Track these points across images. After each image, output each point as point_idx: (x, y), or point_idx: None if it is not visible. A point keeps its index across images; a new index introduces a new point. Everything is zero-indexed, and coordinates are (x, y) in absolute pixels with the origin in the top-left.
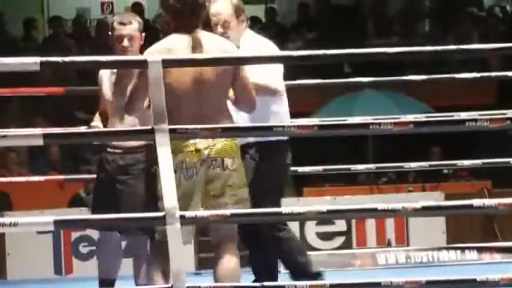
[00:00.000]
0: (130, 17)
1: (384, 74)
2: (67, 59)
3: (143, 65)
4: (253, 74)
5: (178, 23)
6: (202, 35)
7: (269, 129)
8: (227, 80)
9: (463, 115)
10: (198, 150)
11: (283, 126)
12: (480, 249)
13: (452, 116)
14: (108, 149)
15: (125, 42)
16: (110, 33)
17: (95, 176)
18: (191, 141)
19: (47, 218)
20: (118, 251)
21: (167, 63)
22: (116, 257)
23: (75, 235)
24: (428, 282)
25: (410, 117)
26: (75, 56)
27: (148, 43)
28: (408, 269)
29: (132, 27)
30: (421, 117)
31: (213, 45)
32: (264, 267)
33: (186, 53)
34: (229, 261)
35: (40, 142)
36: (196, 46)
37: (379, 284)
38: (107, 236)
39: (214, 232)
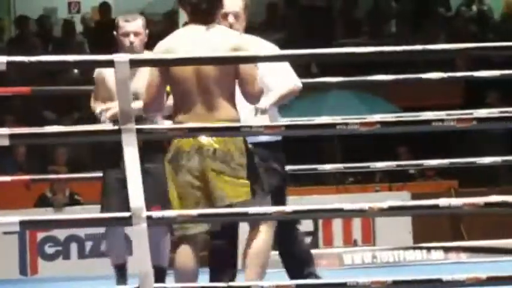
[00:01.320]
0: (134, 15)
1: (351, 74)
2: (33, 58)
3: (110, 64)
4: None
5: (194, 15)
6: (217, 29)
7: (236, 129)
8: (228, 73)
9: (430, 115)
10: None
11: (250, 126)
12: (446, 249)
13: (419, 116)
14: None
15: (131, 38)
16: (115, 32)
17: (61, 176)
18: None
19: (12, 218)
20: (124, 239)
21: (134, 63)
22: (124, 242)
23: (41, 235)
24: (395, 282)
25: (377, 117)
26: (41, 55)
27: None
28: (374, 269)
29: (137, 23)
30: (388, 117)
31: (224, 41)
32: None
33: (190, 48)
34: (259, 238)
35: (6, 142)
36: (204, 40)
37: (345, 284)
38: (111, 229)
39: None
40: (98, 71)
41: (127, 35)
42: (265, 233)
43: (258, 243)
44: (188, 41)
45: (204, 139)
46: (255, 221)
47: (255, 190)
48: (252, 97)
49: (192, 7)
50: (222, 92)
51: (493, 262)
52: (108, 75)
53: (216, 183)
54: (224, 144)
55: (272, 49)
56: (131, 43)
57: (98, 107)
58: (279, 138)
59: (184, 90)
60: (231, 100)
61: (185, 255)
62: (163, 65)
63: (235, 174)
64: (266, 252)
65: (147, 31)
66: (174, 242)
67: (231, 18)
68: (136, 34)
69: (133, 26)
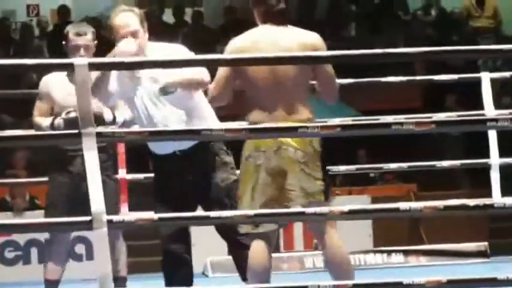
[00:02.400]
0: (85, 27)
1: None
2: None
3: (69, 67)
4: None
5: (269, 16)
6: (291, 29)
7: (197, 132)
8: (306, 73)
9: (390, 118)
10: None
11: (211, 130)
12: (406, 253)
13: (378, 119)
14: (70, 153)
15: (82, 52)
16: (64, 42)
17: (20, 180)
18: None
19: None
20: (68, 251)
21: (93, 66)
22: (66, 257)
23: (0, 240)
24: (355, 286)
25: (337, 121)
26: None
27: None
28: None
29: (87, 37)
30: (348, 120)
31: (292, 40)
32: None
33: (267, 47)
34: (338, 244)
35: None
36: (277, 40)
37: (306, 287)
38: (58, 236)
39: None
40: (43, 85)
41: (77, 49)
42: (338, 239)
43: (341, 251)
44: (266, 40)
45: (285, 139)
46: (323, 226)
47: (328, 193)
48: (333, 97)
49: (268, 8)
50: (299, 92)
51: (452, 265)
52: (53, 86)
53: (295, 183)
54: (304, 145)
55: (184, 51)
56: (81, 57)
57: (43, 120)
58: None
59: (261, 90)
60: (306, 100)
61: (259, 252)
62: (123, 68)
63: (314, 175)
64: (348, 256)
65: (95, 42)
66: (240, 243)
67: (130, 37)
68: (86, 48)
69: (83, 40)
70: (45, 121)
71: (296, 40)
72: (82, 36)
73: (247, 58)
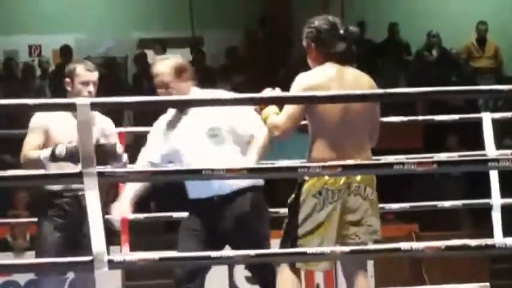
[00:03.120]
0: (92, 64)
1: None
2: None
3: (72, 107)
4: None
5: (334, 55)
6: (354, 69)
7: (198, 172)
8: (371, 116)
9: (391, 158)
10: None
11: (212, 170)
12: None
13: (379, 159)
14: (65, 194)
15: (91, 88)
16: (67, 79)
17: (22, 220)
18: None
19: None
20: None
21: (95, 106)
22: None
23: (1, 280)
24: None
25: (338, 161)
26: (1, 98)
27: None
28: None
29: (96, 74)
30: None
31: (355, 78)
32: None
33: (335, 86)
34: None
35: None
36: (341, 79)
37: None
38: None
39: (346, 263)
40: (39, 120)
41: (87, 84)
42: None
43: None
44: (338, 78)
45: (353, 177)
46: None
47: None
48: (377, 138)
49: (333, 48)
50: (366, 130)
51: None
52: (51, 122)
53: (368, 219)
54: (371, 182)
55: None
56: (89, 93)
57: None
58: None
59: (331, 126)
60: (368, 142)
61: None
62: (123, 108)
63: (377, 212)
64: None
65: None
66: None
67: (160, 89)
68: (95, 84)
69: (94, 76)
70: (42, 152)
71: (363, 79)
72: (92, 72)
73: (326, 96)
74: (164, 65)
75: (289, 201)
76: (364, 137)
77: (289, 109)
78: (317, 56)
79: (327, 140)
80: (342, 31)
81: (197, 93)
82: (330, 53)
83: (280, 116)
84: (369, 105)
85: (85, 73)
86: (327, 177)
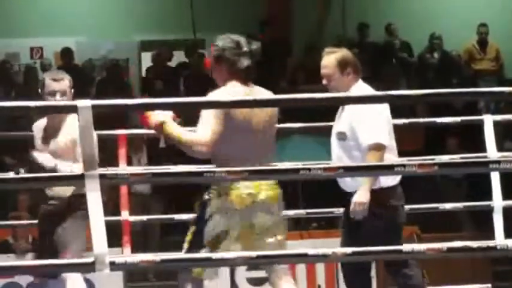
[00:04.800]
0: (61, 74)
1: (312, 119)
2: None
3: (73, 109)
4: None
5: (241, 74)
6: (257, 89)
7: (199, 174)
8: (274, 125)
9: (392, 160)
10: (249, 194)
11: (214, 172)
12: None
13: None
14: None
15: (57, 97)
16: (40, 90)
17: (23, 222)
18: (237, 184)
19: None
20: None
21: (96, 108)
22: None
23: (2, 282)
24: None
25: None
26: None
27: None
28: None
29: (64, 83)
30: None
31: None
32: None
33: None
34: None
35: None
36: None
37: None
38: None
39: (268, 268)
40: (33, 129)
41: (53, 94)
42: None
43: None
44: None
45: (248, 188)
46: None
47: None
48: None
49: (237, 65)
50: (272, 138)
51: None
52: (38, 134)
53: (276, 232)
54: (274, 200)
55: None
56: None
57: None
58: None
59: (247, 133)
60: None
61: None
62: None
63: (284, 226)
64: None
65: (73, 90)
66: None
67: (324, 81)
68: (62, 94)
69: (60, 86)
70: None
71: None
72: (59, 81)
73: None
74: (330, 57)
75: (192, 219)
76: (271, 146)
77: (212, 124)
78: (221, 74)
79: (239, 153)
80: (245, 48)
81: (361, 88)
82: (234, 70)
83: (204, 132)
84: (273, 118)
85: (49, 82)
86: (233, 196)
